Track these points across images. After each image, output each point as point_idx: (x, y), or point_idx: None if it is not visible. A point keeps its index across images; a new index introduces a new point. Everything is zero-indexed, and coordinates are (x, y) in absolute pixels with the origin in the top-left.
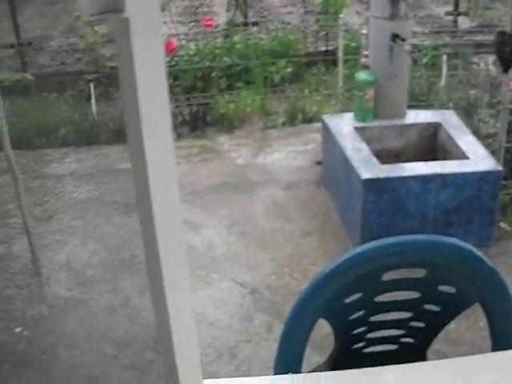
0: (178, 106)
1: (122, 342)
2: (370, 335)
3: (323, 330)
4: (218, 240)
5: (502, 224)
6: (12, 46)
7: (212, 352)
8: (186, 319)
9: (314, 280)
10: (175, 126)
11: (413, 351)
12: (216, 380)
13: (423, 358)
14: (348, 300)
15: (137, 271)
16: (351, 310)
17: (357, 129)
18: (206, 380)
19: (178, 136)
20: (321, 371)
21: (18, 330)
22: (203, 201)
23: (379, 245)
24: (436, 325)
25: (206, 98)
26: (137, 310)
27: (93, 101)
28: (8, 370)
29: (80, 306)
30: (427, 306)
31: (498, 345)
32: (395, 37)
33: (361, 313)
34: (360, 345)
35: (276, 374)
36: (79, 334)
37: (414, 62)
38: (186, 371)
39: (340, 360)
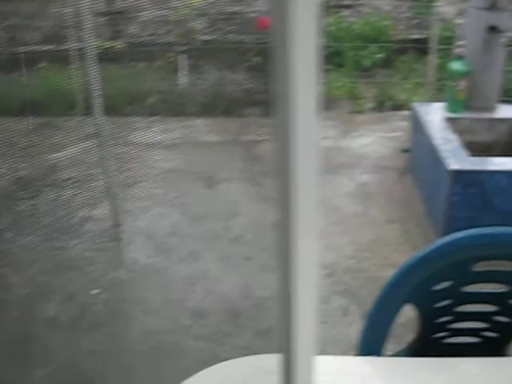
0: (266, 84)
1: (197, 312)
2: (453, 325)
3: (402, 318)
4: None
5: None
6: (104, 15)
7: None
8: (309, 294)
9: (405, 263)
10: (262, 103)
11: (493, 346)
12: (327, 356)
13: (503, 354)
14: (436, 287)
15: (215, 243)
16: (438, 297)
17: (447, 119)
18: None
19: (265, 113)
20: (401, 356)
21: (95, 291)
22: None
23: (473, 234)
24: None
25: None
26: (214, 282)
27: (182, 72)
28: (83, 329)
29: (158, 274)
30: None
31: None
32: (492, 28)
33: (447, 302)
34: (442, 334)
35: (358, 354)
36: (155, 300)
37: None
38: (301, 347)
39: (421, 348)
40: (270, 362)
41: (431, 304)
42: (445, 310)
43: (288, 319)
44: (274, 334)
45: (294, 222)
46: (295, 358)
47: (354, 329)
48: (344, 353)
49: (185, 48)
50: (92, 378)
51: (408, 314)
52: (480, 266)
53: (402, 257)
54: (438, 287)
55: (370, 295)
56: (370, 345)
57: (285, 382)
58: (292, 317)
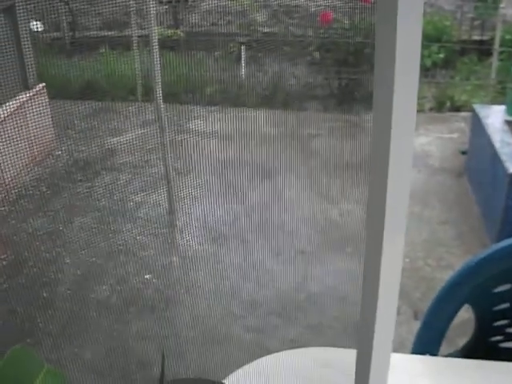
0: (327, 78)
1: (248, 302)
2: (510, 330)
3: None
4: (357, 216)
5: None
6: (166, 3)
7: (338, 326)
8: (392, 293)
9: (466, 264)
10: (322, 98)
11: None
12: (402, 355)
13: None
14: (496, 290)
15: (269, 235)
16: (498, 300)
17: (508, 122)
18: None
19: (325, 108)
20: (455, 357)
21: (147, 276)
22: (345, 175)
23: None
24: None
25: (357, 73)
26: (267, 273)
27: (242, 63)
28: (134, 313)
29: (210, 262)
30: None
31: None
32: None
33: (506, 305)
34: (499, 338)
35: (413, 352)
36: (207, 288)
37: None
38: (379, 344)
39: (472, 350)
40: (326, 354)
41: (490, 306)
42: (503, 314)
43: (370, 316)
44: (324, 329)
45: (386, 220)
46: (373, 355)
47: (404, 329)
48: (393, 351)
49: (245, 39)
50: (142, 362)
51: (460, 316)
52: None
53: (456, 258)
54: (498, 289)
55: (422, 296)
56: (426, 344)
57: (360, 377)
58: (374, 314)
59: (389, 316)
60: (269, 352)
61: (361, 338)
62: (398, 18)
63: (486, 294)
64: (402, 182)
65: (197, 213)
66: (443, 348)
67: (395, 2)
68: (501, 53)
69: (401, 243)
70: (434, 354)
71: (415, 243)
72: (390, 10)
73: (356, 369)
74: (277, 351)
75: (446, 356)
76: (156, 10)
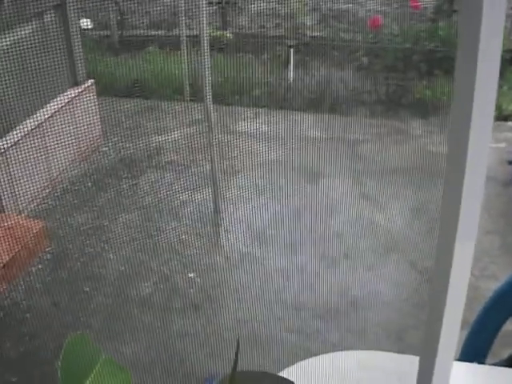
0: (374, 84)
1: (291, 305)
2: None
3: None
4: (401, 221)
5: None
6: (214, 4)
7: (381, 331)
8: (459, 299)
9: None
10: (369, 103)
11: None
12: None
13: None
14: None
15: (314, 238)
16: None
17: None
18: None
19: (372, 113)
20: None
21: (191, 275)
22: (391, 180)
23: None
24: None
25: (404, 80)
26: (311, 276)
27: (291, 66)
28: (176, 311)
29: (255, 263)
30: None
31: None
32: None
33: None
34: None
35: (460, 360)
36: (250, 289)
37: None
38: (443, 351)
39: None
40: (372, 357)
41: None
42: None
43: (436, 322)
44: (367, 334)
45: (458, 226)
46: (436, 362)
47: None
48: None
49: (294, 42)
50: (182, 360)
51: (505, 327)
52: None
53: (500, 269)
54: None
55: (466, 305)
56: (473, 352)
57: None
58: (441, 320)
59: (454, 323)
60: (311, 355)
61: (425, 345)
62: (481, 29)
63: None
64: (477, 189)
65: (242, 213)
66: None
67: (479, 14)
68: None
69: (471, 250)
70: (480, 362)
71: None
72: (475, 21)
73: (418, 375)
74: (319, 354)
75: (493, 365)
76: (204, 11)
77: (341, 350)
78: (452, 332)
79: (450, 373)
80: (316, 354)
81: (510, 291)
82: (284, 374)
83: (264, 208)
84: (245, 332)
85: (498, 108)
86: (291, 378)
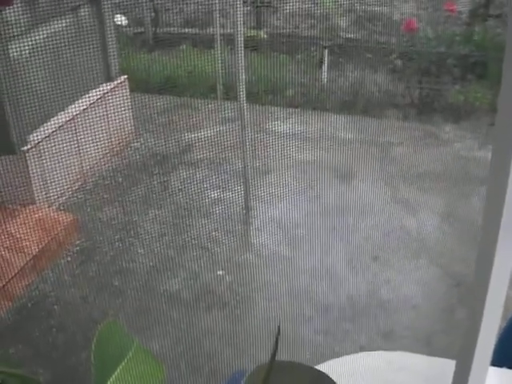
0: (408, 87)
1: (320, 305)
2: None
3: None
4: (432, 226)
5: None
6: (250, 3)
7: (409, 335)
8: (497, 309)
9: None
10: (402, 106)
11: None
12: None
13: None
14: None
15: (344, 240)
16: None
17: None
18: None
19: (404, 117)
20: None
21: (220, 272)
22: (423, 185)
23: None
24: None
25: (438, 84)
26: (340, 278)
27: (325, 67)
28: (204, 308)
29: (285, 262)
30: None
31: None
32: None
33: None
34: None
35: (493, 364)
36: (279, 288)
37: None
38: (480, 356)
39: None
40: (400, 359)
41: None
42: None
43: (475, 327)
44: (395, 337)
45: (499, 234)
46: (472, 367)
47: None
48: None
49: (328, 43)
50: (208, 356)
51: None
52: None
53: None
54: None
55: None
56: (504, 358)
57: None
58: (478, 325)
59: (492, 329)
60: (338, 356)
61: (462, 349)
62: None
63: None
64: None
65: (273, 212)
66: None
67: None
68: None
69: (511, 257)
70: (511, 367)
71: None
72: None
73: (454, 379)
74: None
75: None
76: (239, 10)
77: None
78: (489, 338)
79: (485, 377)
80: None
81: None
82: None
83: (295, 208)
84: (273, 330)
85: None
86: None
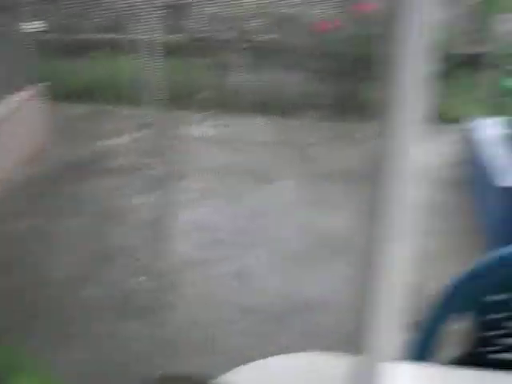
0: (324, 88)
1: (242, 308)
2: (504, 340)
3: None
4: (350, 224)
5: None
6: (164, 8)
7: (332, 335)
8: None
9: (460, 274)
10: (321, 107)
11: None
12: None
13: None
14: (493, 298)
15: (264, 241)
16: (492, 310)
17: (503, 135)
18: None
19: (323, 117)
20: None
21: (140, 279)
22: (341, 184)
23: None
24: None
25: (353, 83)
26: (261, 279)
27: (240, 70)
28: (126, 316)
29: (205, 266)
30: None
31: None
32: None
33: (501, 315)
34: (489, 348)
35: (410, 359)
36: (201, 293)
37: None
38: (378, 350)
39: (465, 361)
40: (317, 360)
41: (485, 315)
42: (497, 324)
43: (366, 322)
44: (319, 336)
45: (385, 227)
46: (369, 363)
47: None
48: None
49: (244, 46)
50: (135, 362)
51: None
52: None
53: (451, 269)
54: (493, 299)
55: (414, 307)
56: (421, 352)
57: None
58: (368, 319)
59: (389, 323)
60: (263, 358)
61: (359, 346)
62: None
63: (481, 303)
64: (402, 191)
65: (192, 217)
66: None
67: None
68: (496, 66)
69: (404, 249)
70: (429, 362)
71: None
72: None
73: (352, 375)
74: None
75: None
76: (155, 16)
77: (290, 353)
78: (386, 332)
79: (387, 373)
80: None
81: (454, 292)
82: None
83: (213, 211)
84: (198, 335)
85: (445, 112)
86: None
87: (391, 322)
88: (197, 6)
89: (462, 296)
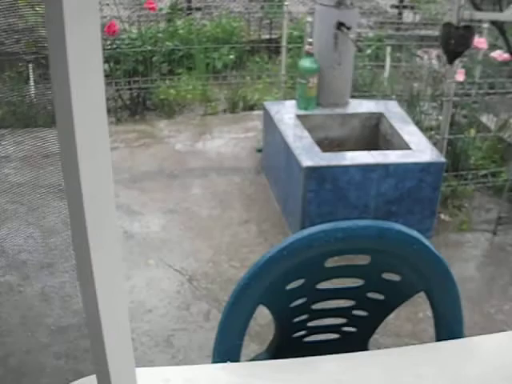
0: (118, 90)
1: (56, 329)
2: (311, 323)
3: (262, 319)
4: (156, 226)
5: (442, 216)
6: None
7: (148, 340)
8: (118, 307)
9: (254, 265)
10: (115, 111)
11: (354, 340)
12: (150, 368)
13: (365, 348)
14: (289, 286)
15: (70, 256)
16: (292, 296)
17: (299, 117)
18: (139, 368)
19: (118, 120)
20: (260, 360)
21: None
22: (141, 186)
23: (322, 229)
24: (379, 314)
25: (147, 82)
26: (72, 297)
27: (31, 82)
28: None
29: (13, 291)
30: (370, 295)
31: (443, 334)
32: (340, 25)
33: (302, 300)
34: (301, 333)
35: (214, 362)
36: (11, 320)
37: (359, 50)
38: (118, 361)
39: (280, 349)
40: None
41: (286, 304)
42: (301, 309)
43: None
44: (135, 344)
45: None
46: (112, 377)
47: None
48: (207, 358)
49: (34, 57)
50: None
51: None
52: (332, 262)
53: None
54: (292, 286)
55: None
56: (225, 351)
57: None
58: (101, 336)
59: (120, 332)
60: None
61: (96, 361)
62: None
63: (280, 292)
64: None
65: None
66: (257, 347)
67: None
68: (289, 50)
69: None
70: (235, 360)
71: (217, 246)
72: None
73: None
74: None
75: (252, 359)
76: None
77: None
78: (120, 339)
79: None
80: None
81: (250, 283)
82: None
83: (16, 233)
84: (12, 365)
85: (243, 99)
86: None
87: (120, 326)
88: None
89: (260, 287)
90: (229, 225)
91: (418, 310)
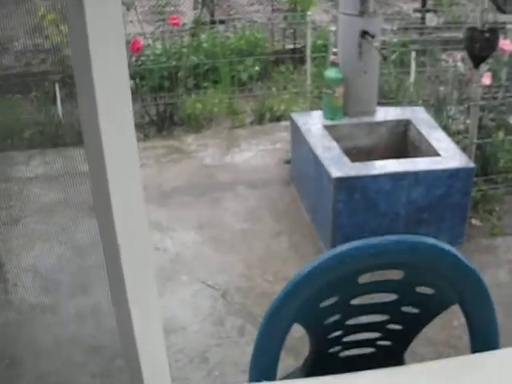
0: (144, 106)
1: (91, 349)
2: (346, 339)
3: (297, 333)
4: (188, 242)
5: (473, 221)
6: None
7: (183, 357)
8: (152, 325)
9: (287, 285)
10: (142, 127)
11: (390, 354)
12: None
13: (400, 361)
14: (323, 304)
15: (104, 275)
16: (326, 314)
17: (326, 127)
18: None
19: (145, 137)
20: (296, 376)
21: None
22: (172, 202)
23: (354, 246)
24: (414, 327)
25: (173, 97)
26: (106, 316)
27: (58, 102)
28: None
29: (47, 312)
30: (405, 308)
31: (478, 345)
32: (364, 33)
33: (336, 317)
34: (336, 349)
35: (251, 380)
36: (47, 341)
37: (384, 58)
38: (153, 378)
39: (316, 364)
40: None
41: (321, 321)
42: (335, 325)
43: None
44: (174, 361)
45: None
46: None
47: (252, 348)
48: (243, 374)
49: (60, 76)
50: None
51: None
52: (365, 278)
53: (292, 269)
54: (325, 303)
55: (263, 312)
56: (261, 369)
57: None
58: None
59: (154, 350)
60: None
61: (131, 380)
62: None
63: (314, 310)
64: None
65: (27, 263)
66: (292, 361)
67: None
68: (314, 59)
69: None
70: (272, 378)
71: (250, 260)
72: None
73: None
74: None
75: (288, 376)
76: None
77: None
78: (155, 357)
79: None
80: None
81: (286, 301)
82: None
83: (49, 252)
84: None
85: (270, 110)
86: None
87: (155, 345)
88: (7, 42)
89: (294, 304)
90: (260, 238)
91: (452, 317)
